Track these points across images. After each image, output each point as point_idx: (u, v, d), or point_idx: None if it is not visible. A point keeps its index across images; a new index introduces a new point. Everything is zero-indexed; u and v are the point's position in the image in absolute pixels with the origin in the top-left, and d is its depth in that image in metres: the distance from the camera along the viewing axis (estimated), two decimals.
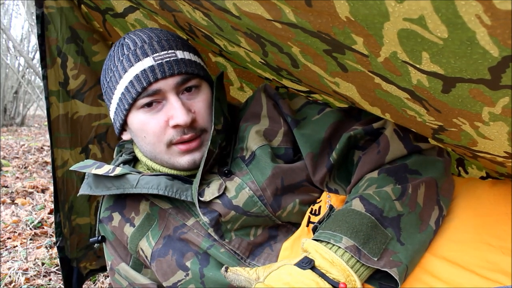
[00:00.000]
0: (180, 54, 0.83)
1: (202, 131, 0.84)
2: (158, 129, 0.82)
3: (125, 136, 0.92)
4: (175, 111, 0.79)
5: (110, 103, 0.88)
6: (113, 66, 0.84)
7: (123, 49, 0.83)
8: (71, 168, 0.89)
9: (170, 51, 0.82)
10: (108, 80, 0.86)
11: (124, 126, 0.89)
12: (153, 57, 0.80)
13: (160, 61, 0.80)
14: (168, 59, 0.80)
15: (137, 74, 0.80)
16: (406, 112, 0.66)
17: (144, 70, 0.79)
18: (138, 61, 0.80)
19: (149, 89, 0.80)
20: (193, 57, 0.85)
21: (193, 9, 0.74)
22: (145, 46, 0.81)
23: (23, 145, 5.41)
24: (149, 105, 0.81)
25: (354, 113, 0.88)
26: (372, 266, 0.62)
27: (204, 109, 0.84)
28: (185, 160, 0.84)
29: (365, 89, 0.65)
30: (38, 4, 1.20)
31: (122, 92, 0.82)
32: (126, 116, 0.85)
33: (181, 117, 0.79)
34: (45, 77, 1.25)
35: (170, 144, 0.82)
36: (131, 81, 0.80)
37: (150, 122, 0.82)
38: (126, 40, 0.85)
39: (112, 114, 0.90)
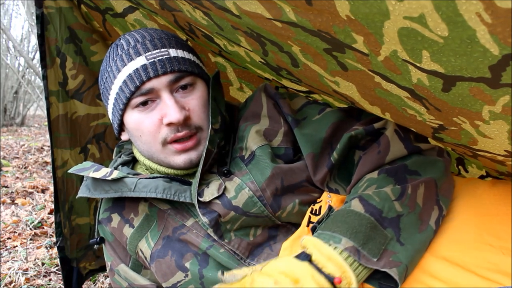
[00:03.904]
0: (173, 52, 0.83)
1: (197, 129, 0.83)
2: (153, 127, 0.82)
3: (124, 137, 0.92)
4: (168, 109, 0.80)
5: (107, 103, 0.89)
6: (108, 67, 0.85)
7: (117, 49, 0.84)
8: (69, 171, 0.89)
9: (163, 50, 0.82)
10: (104, 81, 0.87)
11: (121, 126, 0.89)
12: (145, 56, 0.81)
13: (152, 60, 0.80)
14: (160, 57, 0.81)
15: (130, 74, 0.80)
16: (406, 111, 0.66)
17: (137, 69, 0.80)
18: (131, 60, 0.81)
19: (142, 88, 0.80)
20: (187, 55, 0.86)
21: (193, 8, 0.74)
22: (137, 46, 0.82)
23: (23, 145, 5.41)
24: (143, 104, 0.82)
25: (354, 113, 0.88)
26: (371, 266, 0.62)
27: (199, 107, 0.84)
28: (181, 160, 0.84)
29: (365, 88, 0.65)
30: (38, 4, 1.20)
31: (117, 92, 0.83)
32: (122, 116, 0.85)
33: (174, 115, 0.79)
34: (45, 77, 1.25)
35: (165, 142, 0.82)
36: (124, 81, 0.81)
37: (145, 121, 0.82)
38: (121, 41, 0.86)
39: (110, 115, 0.90)
